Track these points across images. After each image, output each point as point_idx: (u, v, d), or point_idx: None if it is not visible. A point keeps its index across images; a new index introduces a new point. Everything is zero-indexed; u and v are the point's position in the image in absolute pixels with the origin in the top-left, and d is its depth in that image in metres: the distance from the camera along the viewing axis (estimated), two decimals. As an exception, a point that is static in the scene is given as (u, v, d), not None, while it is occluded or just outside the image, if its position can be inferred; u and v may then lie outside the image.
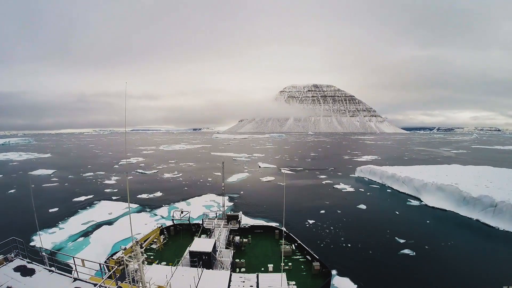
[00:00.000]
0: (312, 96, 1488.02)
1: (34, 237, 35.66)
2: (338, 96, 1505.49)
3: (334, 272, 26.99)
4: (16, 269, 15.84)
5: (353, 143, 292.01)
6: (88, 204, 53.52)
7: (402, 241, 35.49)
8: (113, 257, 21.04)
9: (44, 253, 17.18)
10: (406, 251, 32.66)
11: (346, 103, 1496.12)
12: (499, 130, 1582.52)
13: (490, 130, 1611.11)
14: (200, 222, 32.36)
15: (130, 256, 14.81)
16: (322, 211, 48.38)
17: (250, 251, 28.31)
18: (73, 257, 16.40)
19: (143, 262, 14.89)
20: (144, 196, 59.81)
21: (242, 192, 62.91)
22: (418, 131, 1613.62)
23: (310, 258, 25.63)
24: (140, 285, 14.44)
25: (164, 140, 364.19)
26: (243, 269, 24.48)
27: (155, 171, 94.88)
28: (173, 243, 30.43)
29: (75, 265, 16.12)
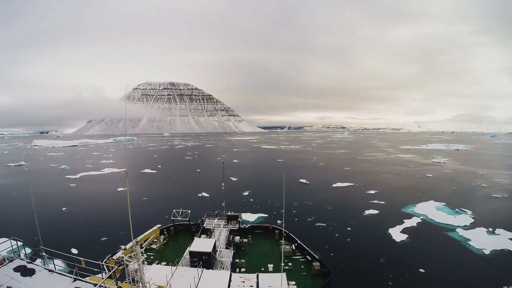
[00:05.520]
0: (168, 95, 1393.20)
1: (34, 237, 35.62)
2: (195, 95, 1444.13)
3: None
4: (16, 269, 15.83)
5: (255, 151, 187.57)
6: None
7: None
8: (113, 257, 21.04)
9: (44, 253, 17.19)
10: None
11: (204, 102, 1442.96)
12: (344, 127, 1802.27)
13: (336, 127, 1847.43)
14: (200, 222, 32.38)
15: (130, 256, 14.84)
16: None
17: (250, 251, 28.28)
18: (73, 257, 16.42)
19: (143, 262, 14.90)
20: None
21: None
22: (274, 129, 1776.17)
23: (310, 258, 25.59)
24: (140, 285, 14.44)
25: None
26: (243, 269, 24.43)
27: None
28: (173, 243, 30.40)
29: (75, 265, 16.13)
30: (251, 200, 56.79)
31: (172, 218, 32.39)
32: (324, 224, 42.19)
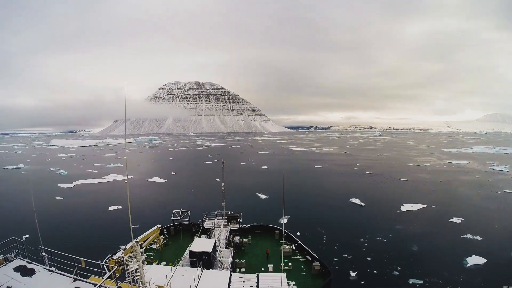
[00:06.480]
0: (194, 94, 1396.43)
1: (34, 237, 35.56)
2: (221, 95, 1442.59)
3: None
4: (16, 269, 15.85)
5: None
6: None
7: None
8: (113, 257, 21.04)
9: (44, 253, 17.18)
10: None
11: (229, 102, 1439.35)
12: (371, 128, 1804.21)
13: (364, 128, 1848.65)
14: (200, 222, 32.36)
15: (130, 256, 14.86)
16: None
17: (250, 251, 28.32)
18: (73, 257, 16.42)
19: (143, 262, 14.91)
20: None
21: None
22: (301, 129, 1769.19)
23: (310, 258, 25.61)
24: (140, 285, 14.44)
25: None
26: (243, 269, 24.46)
27: None
28: (173, 243, 30.44)
29: (75, 265, 16.13)
30: (298, 234, 36.85)
31: (172, 218, 32.39)
32: (421, 282, 27.28)
